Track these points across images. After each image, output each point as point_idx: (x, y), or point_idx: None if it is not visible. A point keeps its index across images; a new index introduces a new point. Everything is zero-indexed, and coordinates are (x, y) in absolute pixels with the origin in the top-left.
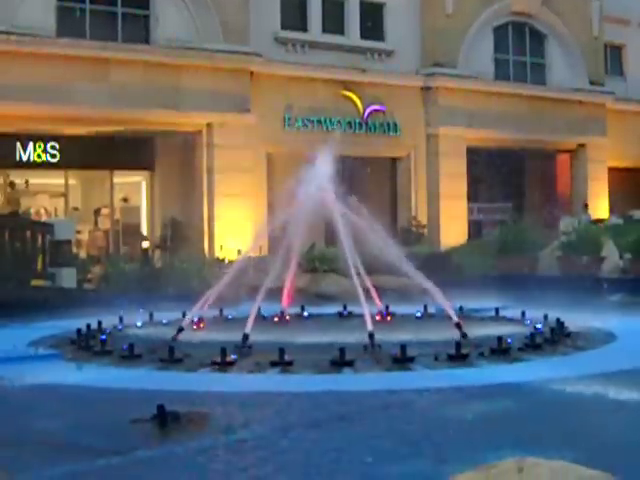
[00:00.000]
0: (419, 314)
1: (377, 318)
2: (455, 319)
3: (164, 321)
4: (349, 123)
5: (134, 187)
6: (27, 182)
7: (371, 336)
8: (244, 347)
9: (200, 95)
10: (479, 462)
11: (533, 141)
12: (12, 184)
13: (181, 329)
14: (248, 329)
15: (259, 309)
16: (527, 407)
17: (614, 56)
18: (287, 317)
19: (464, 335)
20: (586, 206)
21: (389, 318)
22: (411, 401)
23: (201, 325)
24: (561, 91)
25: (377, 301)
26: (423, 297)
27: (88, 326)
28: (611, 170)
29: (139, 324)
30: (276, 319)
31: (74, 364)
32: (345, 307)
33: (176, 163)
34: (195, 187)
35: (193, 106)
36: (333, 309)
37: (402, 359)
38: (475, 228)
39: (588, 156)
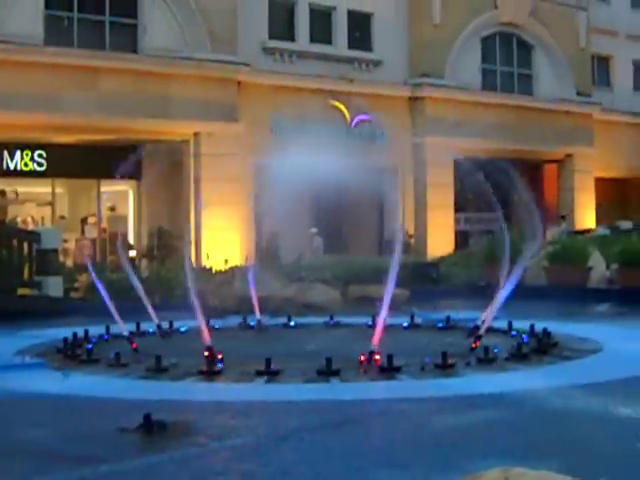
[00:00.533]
0: (406, 324)
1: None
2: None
3: (150, 330)
4: (336, 133)
5: (121, 196)
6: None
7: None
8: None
9: (188, 104)
10: (465, 472)
11: (520, 151)
12: (2, 192)
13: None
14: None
15: (245, 319)
16: (513, 417)
17: (601, 67)
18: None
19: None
20: (563, 217)
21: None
22: (398, 411)
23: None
24: (548, 101)
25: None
26: (410, 306)
27: (75, 335)
28: (598, 180)
29: (125, 333)
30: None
31: (60, 373)
32: (332, 317)
33: (163, 172)
34: (182, 196)
35: (181, 115)
36: (320, 319)
37: (389, 369)
38: (462, 238)
39: (575, 166)
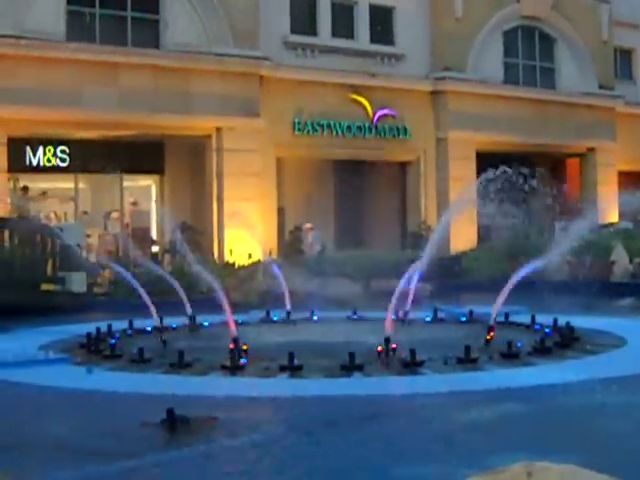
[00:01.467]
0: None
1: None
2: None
3: (174, 325)
4: (359, 127)
5: (144, 191)
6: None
7: (387, 340)
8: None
9: (209, 99)
10: (488, 466)
11: (542, 145)
12: (25, 188)
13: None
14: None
15: (268, 313)
16: (536, 411)
17: (624, 60)
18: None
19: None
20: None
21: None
22: (420, 405)
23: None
24: (570, 95)
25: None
26: (429, 301)
27: (98, 330)
28: (621, 174)
29: (149, 329)
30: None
31: (84, 368)
32: (354, 311)
33: (186, 167)
34: (205, 191)
35: (202, 110)
36: (343, 313)
37: (412, 363)
38: (485, 232)
39: (598, 160)
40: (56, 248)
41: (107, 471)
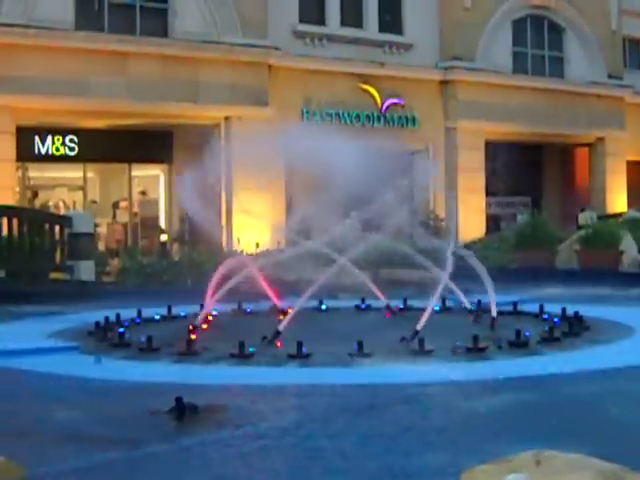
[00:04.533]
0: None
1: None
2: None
3: (182, 314)
4: (367, 116)
5: (152, 180)
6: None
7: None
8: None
9: (218, 88)
10: (497, 455)
11: (551, 135)
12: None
13: (195, 327)
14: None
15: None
16: (544, 400)
17: (633, 49)
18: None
19: (492, 327)
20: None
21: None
22: (429, 394)
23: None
24: (579, 85)
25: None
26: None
27: (106, 319)
28: (629, 163)
29: (157, 317)
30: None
31: (92, 356)
32: (363, 300)
33: (194, 156)
34: (213, 180)
35: (211, 99)
36: (351, 302)
37: (421, 352)
38: (493, 222)
39: (606, 150)
40: (65, 237)
41: (115, 459)
